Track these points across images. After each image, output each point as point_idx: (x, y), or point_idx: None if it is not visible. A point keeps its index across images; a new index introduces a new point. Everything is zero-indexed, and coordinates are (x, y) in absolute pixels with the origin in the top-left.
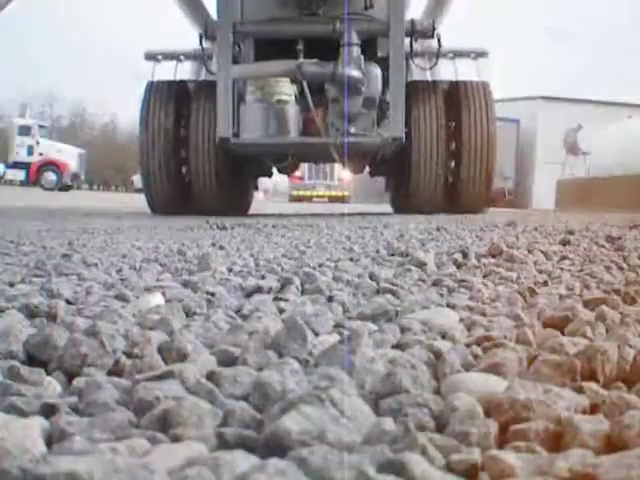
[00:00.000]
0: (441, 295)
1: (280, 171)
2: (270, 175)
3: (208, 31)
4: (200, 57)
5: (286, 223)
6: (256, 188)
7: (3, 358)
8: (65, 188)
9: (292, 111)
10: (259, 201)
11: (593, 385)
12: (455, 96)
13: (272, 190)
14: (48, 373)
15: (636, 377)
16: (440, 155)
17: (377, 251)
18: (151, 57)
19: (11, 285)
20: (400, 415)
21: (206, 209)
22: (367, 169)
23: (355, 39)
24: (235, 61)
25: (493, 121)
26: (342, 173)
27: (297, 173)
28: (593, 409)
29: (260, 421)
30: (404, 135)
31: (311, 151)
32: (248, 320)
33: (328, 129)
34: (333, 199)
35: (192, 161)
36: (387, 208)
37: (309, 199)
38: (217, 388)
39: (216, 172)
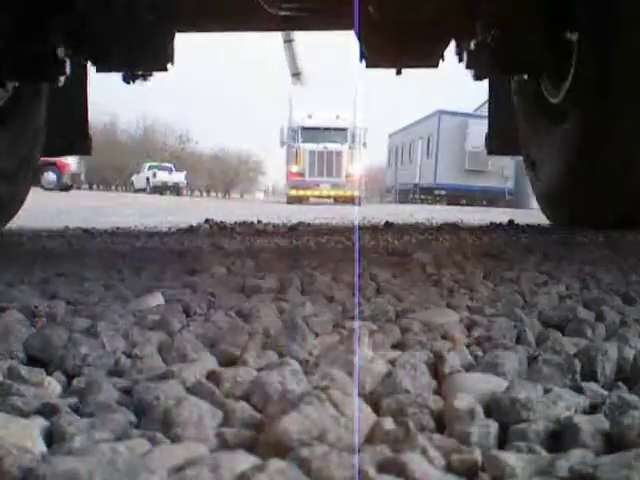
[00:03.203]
0: (441, 295)
1: (101, 68)
2: (51, 77)
3: None
4: None
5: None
6: (62, 151)
7: (3, 358)
8: (65, 188)
9: None
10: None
11: (593, 385)
12: None
13: (272, 189)
14: (48, 373)
15: (636, 377)
16: None
17: (377, 251)
18: None
19: (11, 285)
20: (400, 415)
21: None
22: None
23: None
24: None
25: None
26: (350, 168)
27: (295, 169)
28: (593, 409)
29: (260, 421)
30: None
31: None
32: (248, 320)
33: None
34: (340, 200)
35: None
36: (392, 210)
37: (309, 200)
38: (217, 388)
39: None
